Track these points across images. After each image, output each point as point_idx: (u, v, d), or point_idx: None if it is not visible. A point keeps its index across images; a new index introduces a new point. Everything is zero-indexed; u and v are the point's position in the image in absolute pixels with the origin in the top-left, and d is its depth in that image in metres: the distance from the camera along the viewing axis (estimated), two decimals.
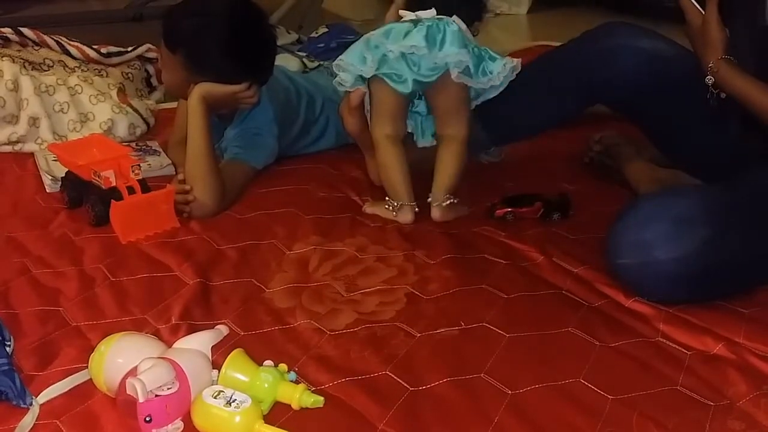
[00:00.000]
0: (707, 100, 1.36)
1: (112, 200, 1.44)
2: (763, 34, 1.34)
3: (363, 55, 1.49)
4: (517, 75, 1.53)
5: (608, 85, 1.50)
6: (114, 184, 1.46)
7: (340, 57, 1.53)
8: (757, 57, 1.34)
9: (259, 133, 1.68)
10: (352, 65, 1.50)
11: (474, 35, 1.54)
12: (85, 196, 1.52)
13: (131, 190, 1.46)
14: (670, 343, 1.17)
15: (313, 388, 1.04)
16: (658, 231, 1.21)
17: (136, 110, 1.97)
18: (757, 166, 1.34)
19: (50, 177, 1.67)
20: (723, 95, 1.33)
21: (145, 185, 1.48)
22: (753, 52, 1.34)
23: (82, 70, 2.01)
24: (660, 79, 1.45)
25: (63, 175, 1.60)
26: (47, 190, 1.65)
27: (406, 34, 1.45)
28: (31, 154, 1.82)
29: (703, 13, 1.35)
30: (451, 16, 1.47)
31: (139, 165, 1.51)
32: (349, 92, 1.55)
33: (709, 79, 1.32)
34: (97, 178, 1.48)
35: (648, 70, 1.45)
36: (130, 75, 2.11)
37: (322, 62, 2.33)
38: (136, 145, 1.88)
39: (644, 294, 1.26)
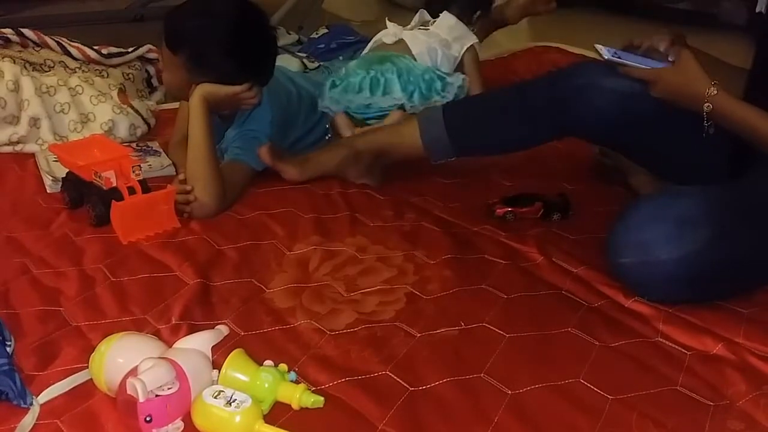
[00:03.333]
0: (682, 128, 1.38)
1: (112, 201, 1.44)
2: (759, 20, 1.35)
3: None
4: (490, 94, 1.68)
5: (582, 123, 1.49)
6: (115, 184, 1.46)
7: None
8: (756, 42, 1.36)
9: (257, 136, 1.69)
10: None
11: (473, 26, 1.61)
12: (86, 197, 1.52)
13: (132, 191, 1.46)
14: (670, 343, 1.17)
15: (313, 388, 1.04)
16: (659, 231, 1.21)
17: (136, 111, 1.97)
18: (757, 166, 1.34)
19: (51, 177, 1.67)
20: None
21: (146, 186, 1.48)
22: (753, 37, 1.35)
23: (83, 71, 2.01)
24: (632, 116, 1.44)
25: (63, 175, 1.60)
26: (48, 191, 1.65)
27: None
28: (32, 155, 1.82)
29: (642, 66, 1.38)
30: (440, 12, 1.78)
31: (139, 165, 1.51)
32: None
33: (708, 107, 1.32)
34: (98, 179, 1.48)
35: (620, 109, 1.44)
36: (130, 75, 2.11)
37: (322, 63, 2.33)
38: (137, 145, 1.88)
39: (645, 294, 1.26)
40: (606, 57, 1.40)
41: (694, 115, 1.34)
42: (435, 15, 2.09)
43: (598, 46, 1.42)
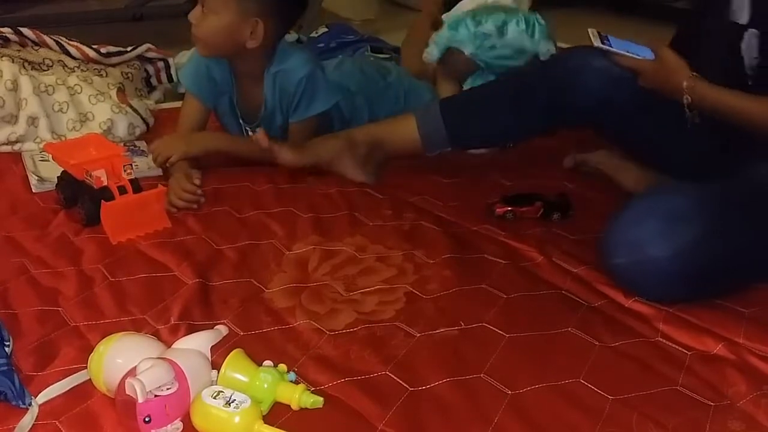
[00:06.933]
0: (672, 113, 1.39)
1: (102, 200, 1.43)
2: (731, 29, 1.37)
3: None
4: (487, 83, 1.73)
5: (575, 103, 1.51)
6: (105, 183, 1.45)
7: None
8: (726, 51, 1.38)
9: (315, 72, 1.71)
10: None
11: None
12: (79, 196, 1.52)
13: (123, 190, 1.45)
14: (670, 343, 1.17)
15: (313, 389, 1.04)
16: (650, 229, 1.21)
17: (135, 110, 1.96)
18: (750, 163, 1.34)
19: (36, 177, 1.67)
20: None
21: (137, 185, 1.47)
22: (724, 46, 1.38)
23: (82, 70, 2.00)
24: (623, 97, 1.47)
25: (50, 174, 1.60)
26: (33, 190, 1.64)
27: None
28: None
29: (638, 57, 1.41)
30: None
31: (131, 164, 1.49)
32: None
33: (686, 99, 1.34)
34: (88, 178, 1.47)
35: (612, 88, 1.47)
36: (129, 75, 2.11)
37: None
38: (124, 145, 1.87)
39: (641, 293, 1.26)
40: (596, 44, 1.43)
41: (681, 103, 1.36)
42: None
43: (591, 31, 1.45)
